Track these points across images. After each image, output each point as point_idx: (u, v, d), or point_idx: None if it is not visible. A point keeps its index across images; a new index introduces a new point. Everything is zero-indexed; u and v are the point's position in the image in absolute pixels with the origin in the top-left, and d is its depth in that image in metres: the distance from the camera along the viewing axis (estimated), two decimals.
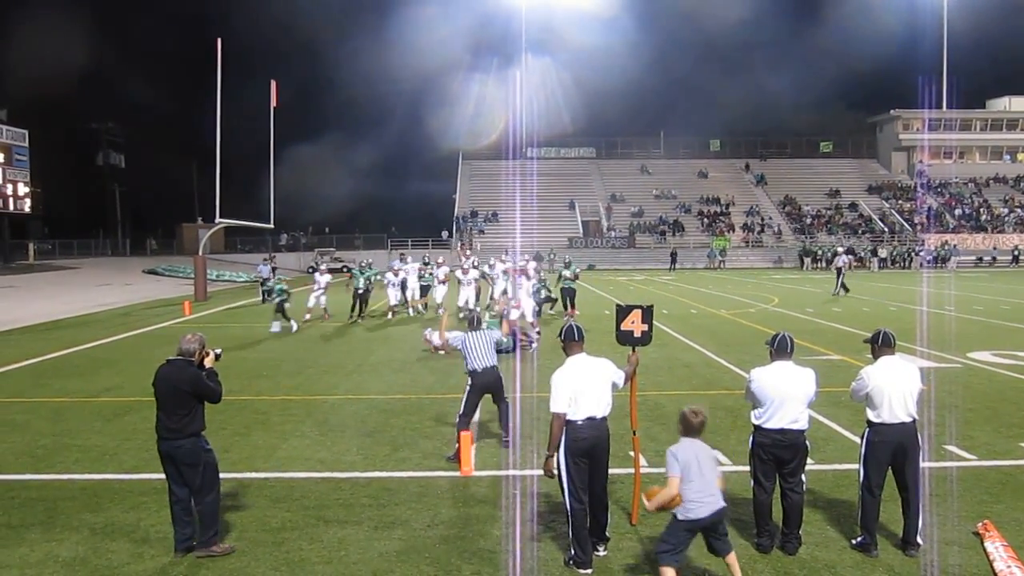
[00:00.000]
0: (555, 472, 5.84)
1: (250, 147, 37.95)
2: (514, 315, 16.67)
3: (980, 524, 6.29)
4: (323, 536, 6.37)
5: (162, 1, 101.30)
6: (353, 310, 21.59)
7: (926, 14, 66.91)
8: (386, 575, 5.71)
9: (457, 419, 8.44)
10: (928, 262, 51.69)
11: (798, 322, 20.59)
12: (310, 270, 48.52)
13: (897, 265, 53.18)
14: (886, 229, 60.45)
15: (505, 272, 22.68)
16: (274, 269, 31.80)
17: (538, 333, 16.97)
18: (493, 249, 40.92)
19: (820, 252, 53.41)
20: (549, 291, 21.56)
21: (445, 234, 59.99)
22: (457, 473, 7.92)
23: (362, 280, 21.43)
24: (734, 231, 60.51)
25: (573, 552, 5.81)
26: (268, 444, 9.08)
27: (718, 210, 63.29)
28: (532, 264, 21.64)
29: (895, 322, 18.64)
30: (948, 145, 67.63)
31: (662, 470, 8.01)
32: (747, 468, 6.32)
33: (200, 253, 31.53)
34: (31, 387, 12.70)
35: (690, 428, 5.37)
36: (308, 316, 20.98)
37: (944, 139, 67.04)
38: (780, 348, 6.08)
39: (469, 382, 8.62)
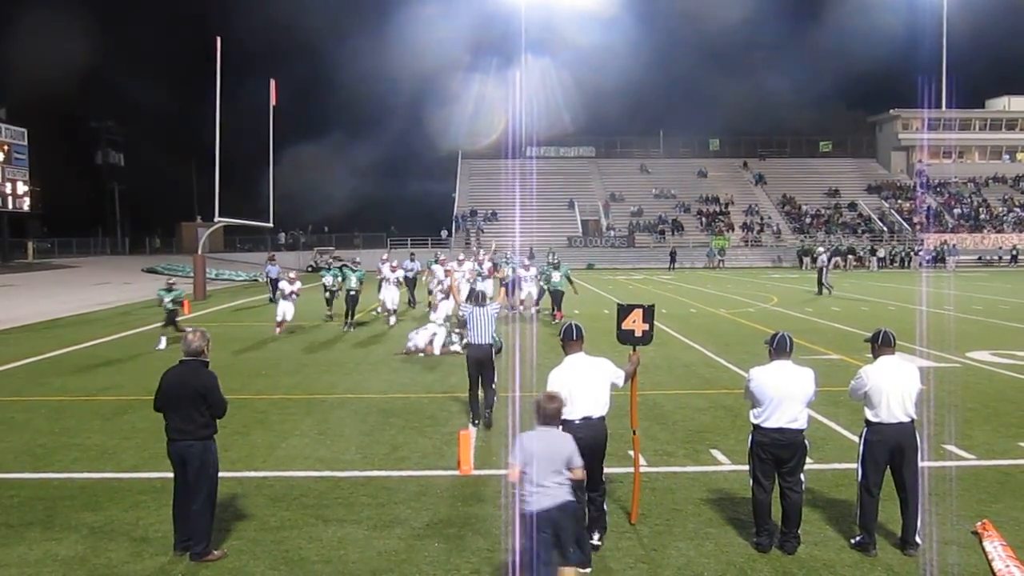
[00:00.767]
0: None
1: (249, 146, 37.94)
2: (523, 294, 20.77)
3: (979, 523, 6.30)
4: (322, 535, 6.37)
5: (162, 0, 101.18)
6: (347, 316, 19.40)
7: (926, 14, 67.03)
8: (385, 574, 5.71)
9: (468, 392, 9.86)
10: (927, 262, 51.71)
11: (797, 321, 20.60)
12: (310, 269, 48.50)
13: (896, 265, 53.24)
14: (885, 229, 60.45)
15: (503, 276, 22.80)
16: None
17: (537, 310, 20.61)
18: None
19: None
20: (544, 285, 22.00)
21: (444, 233, 59.97)
22: (456, 472, 7.93)
23: (354, 280, 19.60)
24: (733, 230, 60.50)
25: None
26: (267, 443, 9.09)
27: (717, 209, 63.28)
28: (532, 271, 21.96)
29: (894, 322, 18.64)
30: (947, 145, 67.55)
31: (662, 469, 8.09)
32: (746, 467, 6.33)
33: (199, 252, 31.53)
34: (30, 386, 12.69)
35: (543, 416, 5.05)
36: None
37: (943, 139, 66.93)
38: (779, 347, 6.08)
39: (466, 354, 9.99)
